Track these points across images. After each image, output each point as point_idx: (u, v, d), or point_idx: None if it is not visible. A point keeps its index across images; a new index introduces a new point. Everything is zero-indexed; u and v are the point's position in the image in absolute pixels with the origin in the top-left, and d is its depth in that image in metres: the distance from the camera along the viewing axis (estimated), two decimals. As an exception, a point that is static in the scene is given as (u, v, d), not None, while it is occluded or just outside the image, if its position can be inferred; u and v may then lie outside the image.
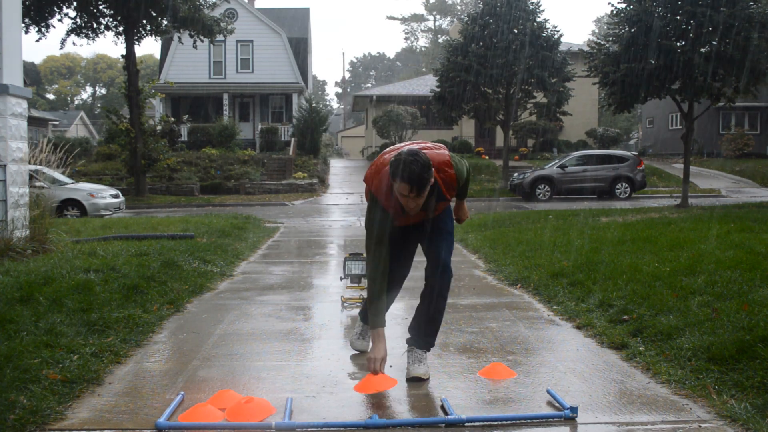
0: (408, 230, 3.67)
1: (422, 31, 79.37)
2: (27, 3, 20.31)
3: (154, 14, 22.07)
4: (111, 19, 22.44)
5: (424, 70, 63.41)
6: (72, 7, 21.82)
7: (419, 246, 3.80)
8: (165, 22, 22.76)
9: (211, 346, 4.22)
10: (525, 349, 4.12)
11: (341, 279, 5.50)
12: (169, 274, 6.12)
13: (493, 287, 6.24)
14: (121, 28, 22.36)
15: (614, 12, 15.73)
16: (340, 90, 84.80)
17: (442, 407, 3.12)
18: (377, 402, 3.24)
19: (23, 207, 7.42)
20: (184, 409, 3.08)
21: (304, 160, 28.91)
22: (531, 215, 12.47)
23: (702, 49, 14.79)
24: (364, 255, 3.91)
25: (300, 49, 35.39)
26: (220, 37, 24.74)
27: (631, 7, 15.23)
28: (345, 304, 5.33)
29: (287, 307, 5.44)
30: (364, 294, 4.97)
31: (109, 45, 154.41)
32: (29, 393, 3.12)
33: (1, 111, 7.11)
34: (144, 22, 22.34)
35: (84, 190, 16.31)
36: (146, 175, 23.07)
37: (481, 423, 2.96)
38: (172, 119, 27.66)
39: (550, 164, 23.21)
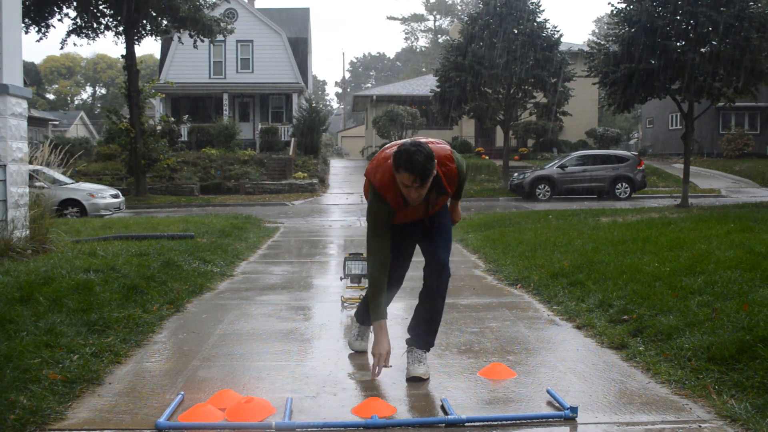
0: (406, 229, 3.68)
1: (422, 31, 79.40)
2: (27, 3, 20.31)
3: (154, 14, 22.08)
4: (111, 19, 22.45)
5: (424, 70, 63.40)
6: (72, 7, 21.82)
7: (417, 246, 3.81)
8: (165, 22, 22.78)
9: (211, 346, 4.22)
10: (525, 349, 4.12)
11: (341, 279, 5.50)
12: (169, 274, 6.12)
13: (493, 287, 6.24)
14: (121, 28, 22.37)
15: (614, 12, 15.73)
16: (340, 90, 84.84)
17: (442, 407, 3.12)
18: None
19: (23, 207, 7.42)
20: (184, 409, 3.08)
21: (304, 160, 28.92)
22: (531, 215, 12.47)
23: (702, 49, 14.79)
24: (364, 255, 3.91)
25: (300, 49, 35.40)
26: (220, 37, 24.74)
27: (631, 7, 15.23)
28: (345, 304, 5.33)
29: (287, 307, 5.44)
30: (364, 294, 4.96)
31: (109, 45, 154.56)
32: (29, 393, 3.12)
33: (1, 111, 7.11)
34: (144, 22, 22.35)
35: (84, 190, 16.31)
36: (146, 175, 23.07)
37: (481, 423, 2.96)
38: (172, 119, 27.70)
39: (550, 164, 23.21)
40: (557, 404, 3.12)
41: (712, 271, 5.32)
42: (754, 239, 6.98)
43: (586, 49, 20.06)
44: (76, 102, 70.92)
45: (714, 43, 14.72)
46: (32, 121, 39.67)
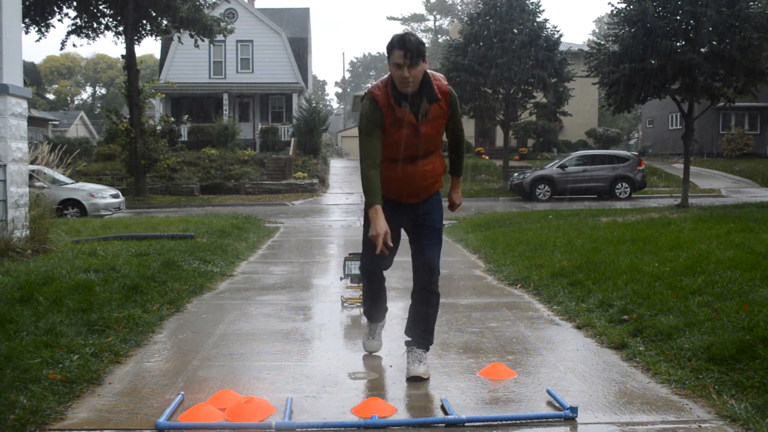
0: (395, 213, 3.61)
1: (422, 31, 79.33)
2: (27, 3, 20.31)
3: (154, 14, 22.09)
4: (111, 19, 22.46)
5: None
6: (72, 7, 21.83)
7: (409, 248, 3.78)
8: (165, 22, 22.79)
9: (211, 346, 4.22)
10: (525, 349, 4.12)
11: (341, 279, 5.50)
12: (169, 274, 6.12)
13: (493, 287, 6.24)
14: (121, 28, 22.37)
15: (614, 12, 15.73)
16: (340, 90, 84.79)
17: (442, 407, 3.12)
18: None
19: (23, 207, 7.42)
20: (184, 409, 3.08)
21: (304, 160, 28.91)
22: (531, 215, 12.47)
23: (702, 49, 14.79)
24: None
25: (300, 49, 35.40)
26: (220, 37, 24.75)
27: (631, 7, 15.22)
28: (345, 304, 5.33)
29: (287, 307, 5.44)
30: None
31: (109, 45, 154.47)
32: (29, 393, 3.12)
33: (1, 111, 7.11)
34: (144, 22, 22.36)
35: (84, 190, 16.31)
36: (146, 175, 23.07)
37: (481, 423, 2.96)
38: (172, 119, 27.68)
39: (550, 164, 23.20)
40: (557, 404, 3.12)
41: (712, 271, 5.32)
42: (754, 239, 6.98)
43: (586, 49, 20.06)
44: (76, 102, 70.92)
45: (714, 43, 14.73)
46: (32, 121, 39.67)
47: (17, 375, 3.26)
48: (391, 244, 3.42)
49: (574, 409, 2.99)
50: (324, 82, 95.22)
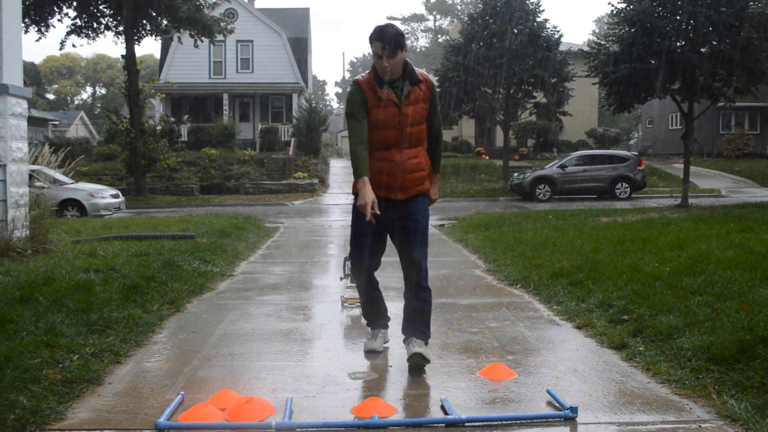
0: (386, 212, 3.69)
1: (422, 31, 79.39)
2: (27, 3, 20.31)
3: (154, 14, 22.09)
4: (111, 19, 22.46)
5: (423, 70, 63.40)
6: (72, 7, 21.83)
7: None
8: (165, 22, 22.79)
9: (211, 346, 4.22)
10: (525, 349, 4.12)
11: (341, 279, 5.50)
12: (169, 274, 6.12)
13: (493, 287, 6.24)
14: (121, 28, 22.37)
15: (614, 12, 15.73)
16: (340, 90, 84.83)
17: (442, 407, 3.12)
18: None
19: (23, 207, 7.42)
20: (184, 409, 3.08)
21: (304, 160, 28.92)
22: (531, 215, 12.47)
23: (702, 49, 14.79)
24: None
25: (300, 49, 35.40)
26: (220, 37, 24.75)
27: (631, 7, 15.23)
28: (345, 304, 5.33)
29: (287, 307, 5.44)
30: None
31: (109, 45, 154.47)
32: (29, 393, 3.12)
33: (1, 111, 7.11)
34: (144, 22, 22.35)
35: (84, 190, 16.31)
36: (146, 175, 23.08)
37: (481, 423, 2.96)
38: (172, 119, 27.68)
39: (550, 164, 23.20)
40: (557, 404, 3.12)
41: (712, 271, 5.32)
42: (754, 239, 6.98)
43: (586, 49, 20.04)
44: (76, 102, 70.93)
45: (714, 43, 14.73)
46: (32, 121, 39.67)
47: (17, 375, 3.26)
48: (378, 212, 3.52)
49: (574, 409, 2.99)
50: (324, 82, 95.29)
